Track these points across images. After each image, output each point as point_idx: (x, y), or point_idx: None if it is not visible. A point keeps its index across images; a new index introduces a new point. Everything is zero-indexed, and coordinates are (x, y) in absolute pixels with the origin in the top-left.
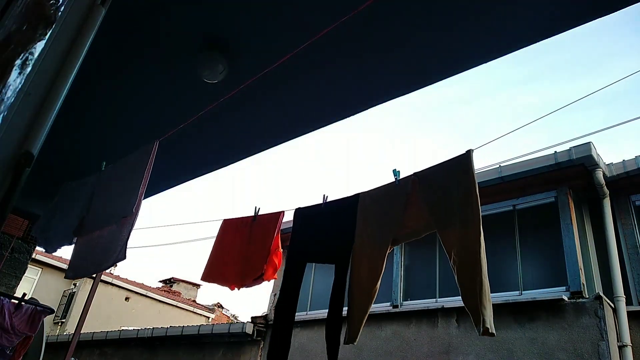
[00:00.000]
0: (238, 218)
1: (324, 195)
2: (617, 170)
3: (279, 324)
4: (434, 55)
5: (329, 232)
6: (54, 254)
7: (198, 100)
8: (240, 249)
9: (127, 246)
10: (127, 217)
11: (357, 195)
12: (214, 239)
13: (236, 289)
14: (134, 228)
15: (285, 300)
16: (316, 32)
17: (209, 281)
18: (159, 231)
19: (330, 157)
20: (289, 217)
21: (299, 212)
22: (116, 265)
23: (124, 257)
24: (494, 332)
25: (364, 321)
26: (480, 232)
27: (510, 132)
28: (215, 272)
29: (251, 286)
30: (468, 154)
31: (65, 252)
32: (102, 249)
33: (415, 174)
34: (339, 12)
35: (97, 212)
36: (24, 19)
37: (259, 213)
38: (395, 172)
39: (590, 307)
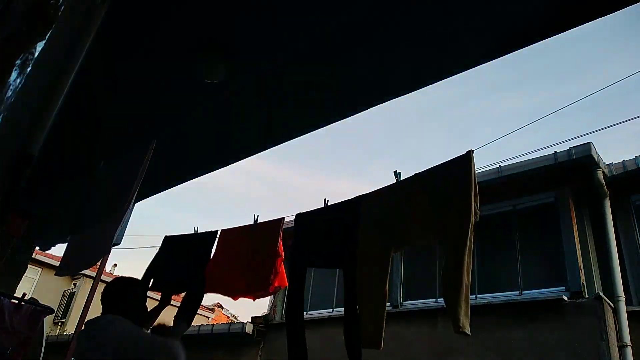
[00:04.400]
0: (236, 227)
1: (325, 199)
2: (617, 170)
3: (292, 327)
4: (435, 55)
5: (332, 236)
6: (53, 253)
7: (198, 100)
8: (243, 259)
9: (113, 240)
10: (119, 214)
11: (358, 198)
12: (214, 250)
13: (242, 298)
14: (120, 223)
15: (294, 304)
16: (315, 32)
17: (211, 292)
18: (159, 231)
19: (328, 158)
20: (289, 217)
21: (300, 217)
22: (116, 265)
23: (109, 251)
24: (468, 331)
25: (384, 325)
26: (469, 232)
27: (509, 133)
28: (217, 282)
29: (263, 296)
30: (468, 155)
31: (62, 250)
32: (93, 246)
33: (416, 174)
34: (338, 12)
35: (92, 210)
36: (24, 19)
37: (258, 221)
38: (397, 174)
39: (590, 307)
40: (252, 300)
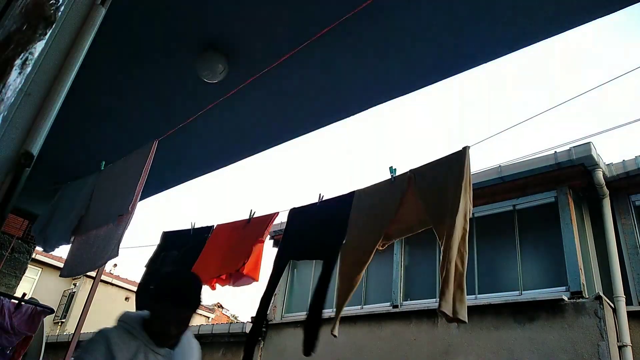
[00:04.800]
0: (231, 222)
1: (320, 194)
2: (617, 170)
3: (257, 317)
4: (435, 55)
5: (321, 229)
6: (53, 253)
7: (198, 100)
8: (229, 250)
9: (121, 244)
10: (123, 216)
11: (352, 193)
12: (206, 243)
13: (219, 285)
14: (128, 226)
15: (266, 296)
16: (315, 32)
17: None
18: (159, 231)
19: (331, 155)
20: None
21: (293, 211)
22: (116, 265)
23: (117, 254)
24: (464, 318)
25: (342, 310)
26: (464, 221)
27: (507, 129)
28: (203, 272)
29: (240, 284)
30: (464, 151)
31: (64, 251)
32: (97, 247)
33: (411, 170)
34: (338, 11)
35: (95, 211)
36: (24, 19)
37: (254, 216)
38: (392, 170)
39: (590, 307)
40: (226, 285)
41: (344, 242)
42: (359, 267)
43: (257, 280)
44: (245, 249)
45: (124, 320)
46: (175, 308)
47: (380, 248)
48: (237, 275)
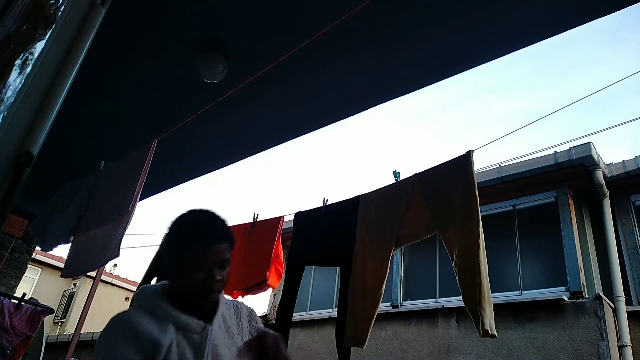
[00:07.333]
0: (236, 225)
1: (324, 198)
2: (617, 170)
3: (280, 324)
4: (435, 55)
5: (330, 234)
6: (52, 253)
7: (198, 100)
8: (239, 255)
9: (121, 244)
10: (123, 215)
11: (357, 198)
12: None
13: (240, 296)
14: (128, 226)
15: (286, 302)
16: (315, 32)
17: None
18: (160, 231)
19: (318, 160)
20: (289, 218)
21: (299, 216)
22: (116, 265)
23: (118, 255)
24: (495, 333)
25: (372, 324)
26: (479, 233)
27: (510, 133)
28: None
29: (255, 293)
30: (468, 155)
31: (64, 251)
32: (98, 247)
33: (415, 175)
34: (338, 11)
35: (95, 211)
36: (24, 19)
37: (258, 219)
38: (396, 174)
39: (590, 307)
40: (241, 296)
41: (355, 250)
42: (380, 278)
43: (274, 288)
44: (262, 258)
45: (143, 298)
46: (210, 245)
47: (392, 252)
48: (256, 286)
